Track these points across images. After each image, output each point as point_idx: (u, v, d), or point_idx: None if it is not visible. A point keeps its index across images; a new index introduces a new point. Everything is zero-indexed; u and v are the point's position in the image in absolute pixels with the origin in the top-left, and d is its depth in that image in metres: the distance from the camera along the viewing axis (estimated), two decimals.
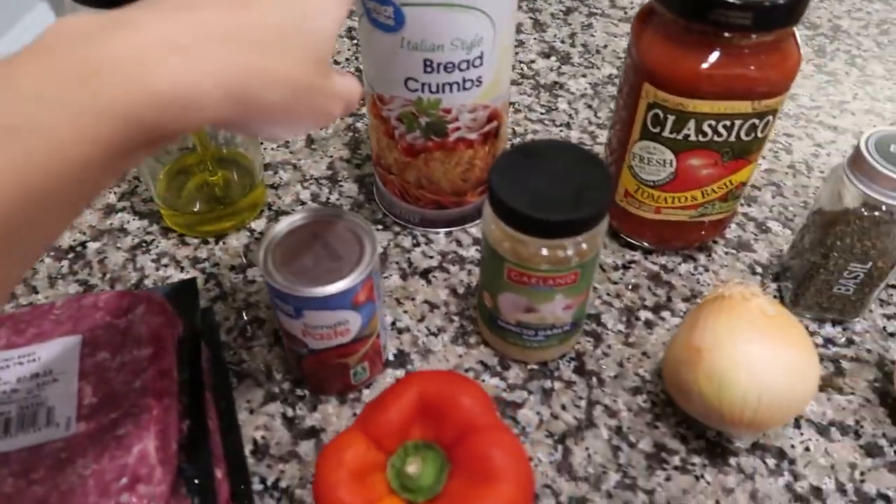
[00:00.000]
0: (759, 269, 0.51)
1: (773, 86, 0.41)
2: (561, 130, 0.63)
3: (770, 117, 0.43)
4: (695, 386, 0.38)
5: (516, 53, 0.72)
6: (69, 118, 0.21)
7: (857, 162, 0.41)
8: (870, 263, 0.43)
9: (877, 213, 0.41)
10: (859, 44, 0.74)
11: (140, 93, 0.22)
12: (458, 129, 0.47)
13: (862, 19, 0.78)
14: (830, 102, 0.66)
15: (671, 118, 0.43)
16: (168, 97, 0.23)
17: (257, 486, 0.40)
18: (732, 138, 0.43)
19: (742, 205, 0.56)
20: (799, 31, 0.46)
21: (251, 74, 0.25)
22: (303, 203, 0.56)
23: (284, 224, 0.39)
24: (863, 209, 0.41)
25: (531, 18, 0.78)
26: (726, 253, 0.53)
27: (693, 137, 0.43)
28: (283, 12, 0.27)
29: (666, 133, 0.44)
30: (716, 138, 0.43)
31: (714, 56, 0.40)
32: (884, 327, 0.48)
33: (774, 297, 0.50)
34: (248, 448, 0.41)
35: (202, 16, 0.24)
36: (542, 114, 0.65)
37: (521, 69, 0.70)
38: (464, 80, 0.44)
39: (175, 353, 0.39)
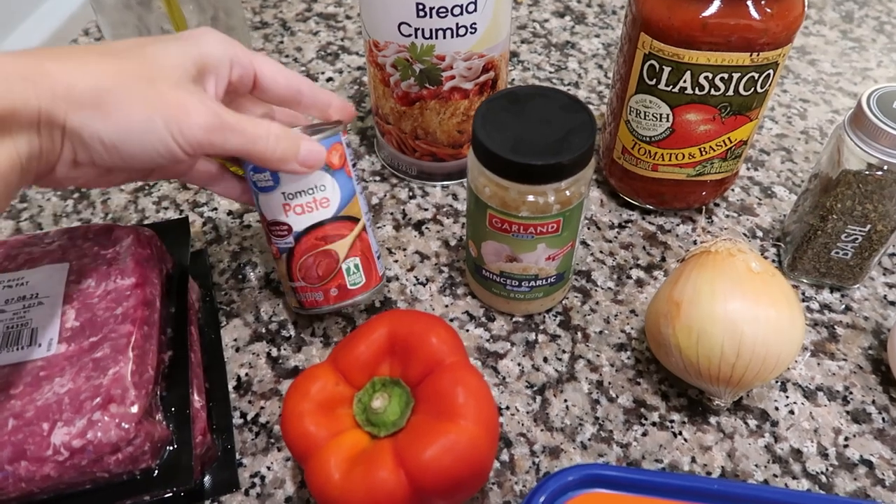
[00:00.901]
0: (759, 233, 0.50)
1: (774, 37, 0.40)
2: (569, 89, 0.62)
3: (771, 71, 0.42)
4: (672, 339, 0.37)
5: (530, 12, 0.71)
6: None
7: (857, 119, 0.39)
8: (868, 226, 0.42)
9: (879, 173, 0.40)
10: (890, 10, 0.71)
11: None
12: (452, 77, 0.46)
13: None
14: (853, 69, 0.64)
15: (667, 70, 0.42)
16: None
17: (237, 420, 0.41)
18: (731, 93, 0.42)
19: (748, 168, 0.55)
20: None
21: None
22: None
23: None
24: (863, 169, 0.40)
25: None
26: (727, 216, 0.51)
27: (689, 91, 0.42)
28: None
29: (662, 86, 0.43)
30: (713, 92, 0.42)
31: (715, 5, 0.39)
32: (884, 295, 0.46)
33: (773, 261, 0.48)
34: (231, 383, 0.42)
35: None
36: (550, 72, 0.64)
37: (534, 28, 0.69)
38: (457, 27, 0.43)
39: (160, 286, 0.39)
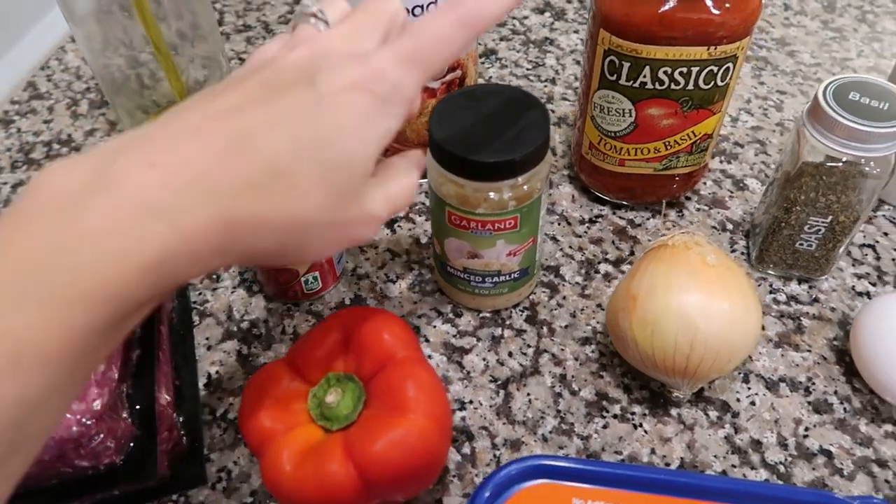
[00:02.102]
0: (730, 226, 0.50)
1: (732, 31, 0.40)
2: (545, 85, 0.62)
3: (730, 65, 0.42)
4: (629, 332, 0.38)
5: None
6: (31, 318, 0.19)
7: (814, 112, 0.39)
8: (831, 217, 0.42)
9: (839, 165, 0.40)
10: None
11: (121, 270, 0.20)
12: None
13: None
14: (832, 59, 0.64)
15: (626, 65, 0.42)
16: (154, 265, 0.21)
17: (207, 417, 0.42)
18: (691, 86, 0.42)
19: (721, 161, 0.55)
20: None
21: (239, 225, 0.22)
22: None
23: None
24: (822, 161, 0.40)
25: None
26: (698, 209, 0.52)
27: (650, 85, 0.43)
28: (289, 143, 0.23)
29: (623, 81, 0.43)
30: (673, 86, 0.42)
31: (671, 0, 0.39)
32: (853, 286, 0.46)
33: (742, 255, 0.49)
34: (202, 381, 0.43)
35: (188, 155, 0.22)
36: (528, 69, 0.64)
37: (514, 25, 0.69)
38: None
39: None
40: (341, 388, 0.34)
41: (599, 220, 0.51)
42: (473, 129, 0.37)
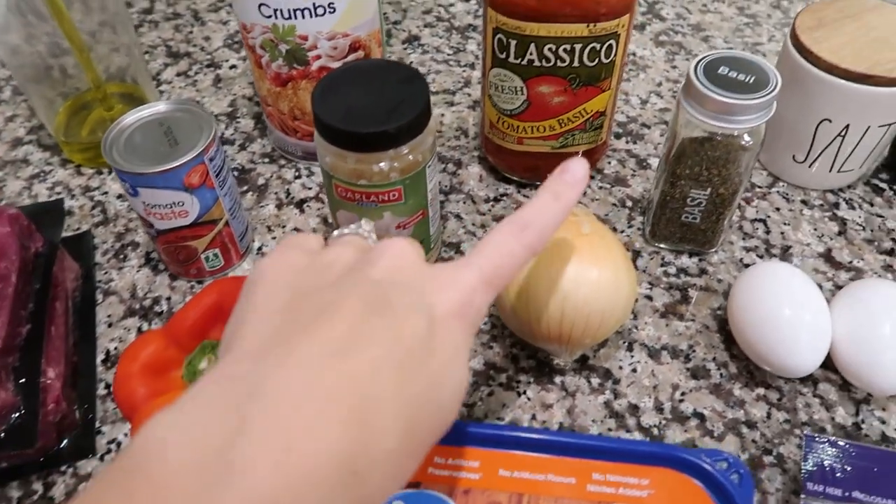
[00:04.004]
0: (629, 203, 0.52)
1: (612, 8, 0.41)
2: (464, 70, 0.63)
3: (612, 42, 0.43)
4: (508, 302, 0.39)
5: None
6: None
7: (688, 87, 0.41)
8: (710, 189, 0.43)
9: (718, 139, 0.41)
10: None
11: None
12: (318, 57, 0.48)
13: None
14: (745, 44, 0.65)
15: (513, 42, 0.43)
16: None
17: (102, 391, 0.42)
18: (576, 63, 0.44)
19: (627, 142, 0.56)
20: None
21: (346, 469, 0.20)
22: None
23: (133, 115, 0.43)
24: (698, 136, 0.41)
25: None
26: (600, 187, 0.53)
27: (537, 63, 0.44)
28: (408, 406, 0.22)
29: (512, 59, 0.44)
30: (559, 64, 0.44)
31: None
32: (741, 258, 0.48)
33: (639, 230, 0.50)
34: (100, 357, 0.44)
35: (316, 438, 0.20)
36: (448, 55, 0.65)
37: (438, 12, 0.70)
38: (315, 6, 0.45)
39: (18, 263, 0.41)
40: (214, 356, 0.35)
41: (504, 198, 0.52)
42: (354, 102, 0.38)
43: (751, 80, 0.39)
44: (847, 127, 0.47)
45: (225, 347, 0.24)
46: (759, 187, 0.53)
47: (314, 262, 0.26)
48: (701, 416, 0.40)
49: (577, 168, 0.31)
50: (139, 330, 0.45)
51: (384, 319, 0.23)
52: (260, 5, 0.45)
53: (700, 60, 0.41)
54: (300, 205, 0.52)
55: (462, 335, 0.25)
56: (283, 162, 0.56)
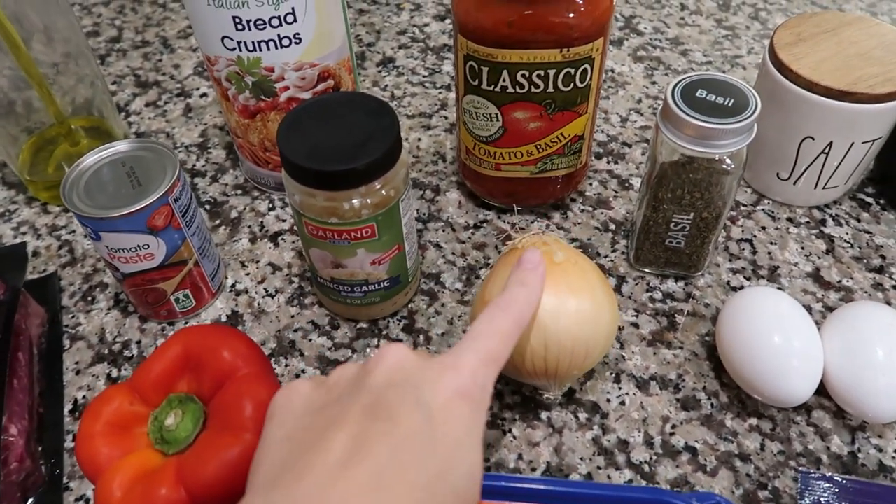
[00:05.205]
0: (612, 226, 0.50)
1: (584, 32, 0.40)
2: (440, 92, 0.62)
3: (587, 66, 0.42)
4: None
5: (411, 17, 0.71)
6: None
7: (665, 111, 0.40)
8: (692, 213, 0.42)
9: (702, 163, 0.40)
10: None
11: None
12: (287, 88, 0.46)
13: None
14: (724, 57, 0.64)
15: (485, 69, 0.42)
16: None
17: (70, 444, 0.40)
18: (551, 89, 0.42)
19: (608, 162, 0.55)
20: None
21: None
22: None
23: (93, 156, 0.41)
24: (676, 160, 0.40)
25: None
26: (582, 210, 0.52)
27: (511, 89, 0.43)
28: (420, 485, 0.23)
29: (485, 85, 0.43)
30: (533, 89, 0.42)
31: (521, 4, 0.39)
32: (728, 281, 0.47)
33: (622, 254, 0.49)
34: (67, 407, 0.42)
35: None
36: (424, 76, 0.64)
37: (413, 33, 0.69)
38: (280, 38, 0.43)
39: None
40: (182, 410, 0.33)
41: (484, 225, 0.51)
42: (322, 138, 0.37)
43: (730, 104, 0.38)
44: (830, 144, 0.46)
45: (247, 485, 0.26)
46: (744, 205, 0.51)
47: (320, 385, 0.29)
48: (693, 450, 0.38)
49: (530, 256, 0.34)
50: (108, 377, 0.43)
51: (383, 423, 0.24)
52: (223, 38, 0.43)
53: (677, 84, 0.40)
54: (274, 238, 0.51)
55: (470, 416, 0.26)
56: (256, 193, 0.54)
